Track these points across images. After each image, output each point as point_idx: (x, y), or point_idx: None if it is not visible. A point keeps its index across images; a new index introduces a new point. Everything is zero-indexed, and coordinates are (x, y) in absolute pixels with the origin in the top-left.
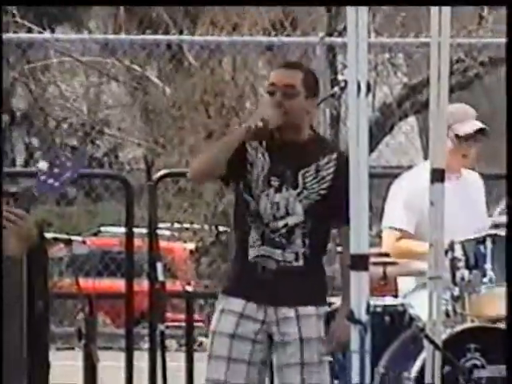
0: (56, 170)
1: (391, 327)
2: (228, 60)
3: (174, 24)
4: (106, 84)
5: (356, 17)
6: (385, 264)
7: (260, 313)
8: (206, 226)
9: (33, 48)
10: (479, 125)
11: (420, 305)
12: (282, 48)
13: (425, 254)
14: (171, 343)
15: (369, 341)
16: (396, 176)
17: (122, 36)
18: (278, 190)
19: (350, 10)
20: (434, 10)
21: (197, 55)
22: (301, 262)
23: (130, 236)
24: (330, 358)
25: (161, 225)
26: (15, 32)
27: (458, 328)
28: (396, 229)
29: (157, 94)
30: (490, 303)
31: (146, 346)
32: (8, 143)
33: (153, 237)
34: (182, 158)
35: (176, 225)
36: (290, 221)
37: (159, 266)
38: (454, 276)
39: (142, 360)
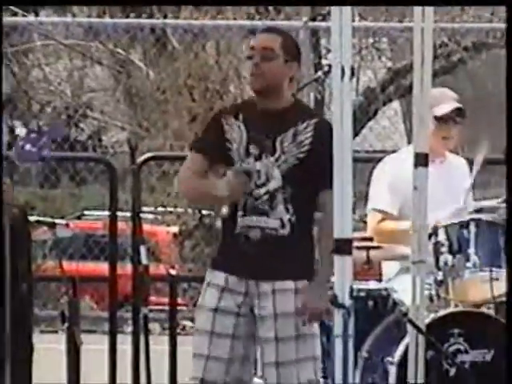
0: (33, 135)
1: (374, 312)
2: (212, 44)
3: (157, 7)
4: (90, 67)
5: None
6: (368, 248)
7: (242, 286)
8: (190, 210)
9: (16, 31)
10: (456, 105)
11: (403, 289)
12: None
13: (407, 234)
14: (154, 326)
15: (352, 325)
16: (379, 160)
17: (106, 19)
18: (258, 158)
19: None
20: None
21: (180, 39)
22: (287, 230)
23: (113, 219)
24: (315, 331)
25: (144, 208)
26: None
27: (442, 313)
28: (379, 210)
29: (141, 77)
30: (474, 288)
31: (130, 329)
32: None
33: (136, 220)
34: (166, 142)
35: (160, 208)
36: (270, 186)
37: (143, 249)
38: (437, 260)
39: (125, 343)
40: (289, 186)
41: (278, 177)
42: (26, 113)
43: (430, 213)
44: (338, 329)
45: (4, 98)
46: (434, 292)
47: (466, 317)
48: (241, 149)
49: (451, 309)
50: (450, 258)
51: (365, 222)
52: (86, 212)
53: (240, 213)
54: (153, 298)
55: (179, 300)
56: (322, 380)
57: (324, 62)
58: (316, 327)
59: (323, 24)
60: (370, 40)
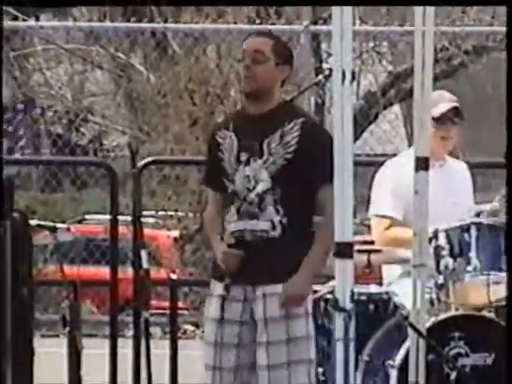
0: (9, 115)
1: (375, 315)
2: (212, 48)
3: (158, 12)
4: (91, 71)
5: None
6: (369, 252)
7: (240, 292)
8: (191, 214)
9: (17, 35)
10: (452, 104)
11: (404, 293)
12: None
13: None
14: (155, 330)
15: (353, 329)
16: (381, 164)
17: (107, 24)
18: (247, 163)
19: None
20: None
21: (181, 43)
22: (278, 232)
23: (114, 223)
24: (308, 334)
25: (145, 212)
26: None
27: (442, 316)
28: (385, 216)
29: (141, 81)
30: (475, 291)
31: (131, 333)
32: None
33: (137, 224)
34: (167, 146)
35: (160, 212)
36: (259, 189)
37: (143, 253)
38: (438, 264)
39: (126, 347)
40: (278, 187)
41: (267, 179)
42: (27, 117)
43: (429, 216)
44: (339, 332)
45: (4, 101)
46: (434, 296)
47: (467, 320)
48: (231, 157)
49: (452, 312)
50: (450, 261)
51: (365, 226)
52: (86, 216)
53: (234, 217)
54: (154, 302)
55: (180, 304)
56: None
57: (325, 65)
58: (311, 329)
59: (324, 28)
60: (371, 44)
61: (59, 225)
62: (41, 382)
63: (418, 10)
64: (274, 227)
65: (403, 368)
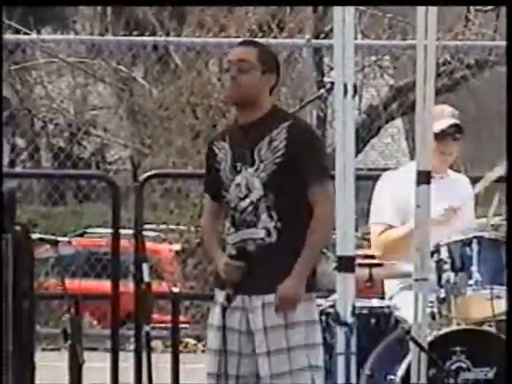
0: None
1: (377, 329)
2: (214, 61)
3: (160, 25)
4: (93, 85)
5: (342, 18)
6: (371, 266)
7: (239, 301)
8: (192, 228)
9: (19, 49)
10: (452, 120)
11: (405, 307)
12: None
13: (410, 238)
14: (157, 344)
15: (354, 342)
16: (379, 177)
17: (109, 37)
18: (239, 172)
19: (336, 12)
20: (420, 12)
21: (183, 56)
22: (273, 238)
23: (116, 237)
24: (314, 341)
25: (147, 226)
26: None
27: (444, 330)
28: (382, 223)
29: (143, 95)
30: (476, 305)
31: (132, 346)
32: None
33: (139, 238)
34: (169, 159)
35: (162, 226)
36: (252, 197)
37: (145, 267)
38: (439, 278)
39: (127, 361)
40: (270, 193)
41: (259, 186)
42: (29, 130)
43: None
44: (340, 346)
45: (6, 115)
46: (436, 310)
47: (469, 335)
48: (227, 168)
49: (454, 327)
50: (452, 275)
51: (367, 240)
52: (88, 230)
53: (232, 229)
54: (155, 316)
55: (181, 318)
56: None
57: (326, 79)
58: (318, 337)
59: (326, 42)
60: (373, 58)
61: (61, 238)
62: None
63: (420, 23)
64: (269, 234)
65: (405, 382)
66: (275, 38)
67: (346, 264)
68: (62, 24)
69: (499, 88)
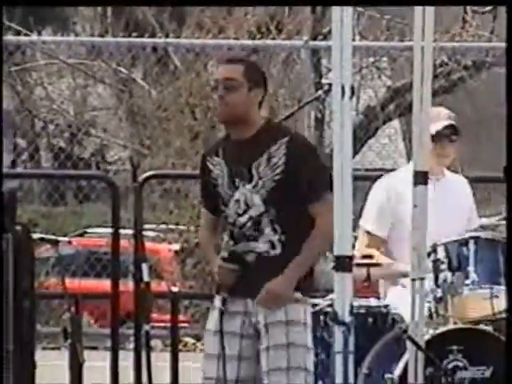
0: None
1: (374, 328)
2: (213, 63)
3: (160, 27)
4: (93, 86)
5: (340, 20)
6: (368, 265)
7: (240, 306)
8: (192, 227)
9: (19, 50)
10: (448, 122)
11: (403, 306)
12: (267, 51)
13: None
14: (156, 343)
15: (352, 341)
16: (378, 178)
17: (109, 39)
18: (237, 188)
19: (334, 13)
20: (418, 13)
21: (182, 58)
22: (278, 250)
23: (115, 237)
24: (307, 344)
25: (146, 226)
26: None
27: (441, 329)
28: (367, 232)
29: (143, 96)
30: (473, 305)
31: (132, 345)
32: None
33: (138, 238)
34: (168, 160)
35: (161, 226)
36: (252, 213)
37: (145, 266)
38: (436, 278)
39: (127, 360)
40: (272, 208)
41: (259, 203)
42: (29, 131)
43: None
44: (338, 345)
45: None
46: (433, 309)
47: (466, 334)
48: (224, 183)
49: (450, 326)
50: (449, 275)
51: None
52: (88, 230)
53: (230, 243)
54: (154, 315)
55: (181, 317)
56: None
57: (324, 81)
58: (309, 341)
59: (324, 43)
60: (371, 59)
61: (61, 238)
62: None
63: (417, 25)
64: (273, 246)
65: (402, 381)
66: (273, 39)
67: (343, 264)
68: (63, 25)
69: (496, 89)
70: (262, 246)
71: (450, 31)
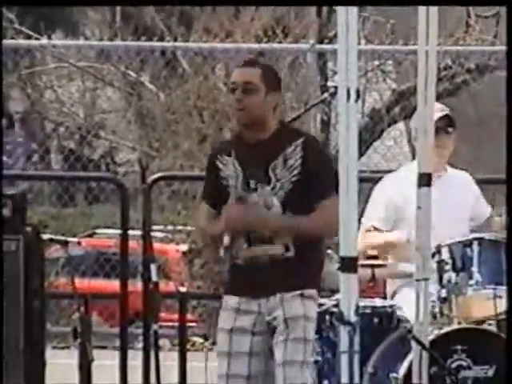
0: (8, 147)
1: (380, 328)
2: (221, 66)
3: (168, 31)
4: (102, 89)
5: (346, 24)
6: (373, 266)
7: (254, 305)
8: None
9: (30, 54)
10: (443, 113)
11: (408, 306)
12: (274, 54)
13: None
14: (164, 343)
15: (358, 341)
16: (380, 179)
17: (118, 42)
18: (255, 190)
19: (340, 17)
20: (422, 18)
21: (190, 61)
22: (292, 252)
23: (124, 238)
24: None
25: (155, 227)
26: (13, 38)
27: (445, 329)
28: (368, 224)
29: (151, 99)
30: (477, 305)
31: (140, 345)
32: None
33: (147, 239)
34: (176, 162)
35: (170, 227)
36: (271, 215)
37: (153, 267)
38: (441, 278)
39: (135, 359)
40: (289, 210)
41: (277, 204)
42: (40, 133)
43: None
44: (343, 345)
45: (18, 118)
46: (437, 309)
47: (469, 334)
48: (238, 185)
49: (454, 326)
50: (453, 275)
51: None
52: (97, 230)
53: (245, 245)
54: (163, 315)
55: (189, 316)
56: None
57: (330, 83)
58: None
59: (330, 47)
60: (376, 62)
61: (70, 239)
62: None
63: (422, 29)
64: (287, 249)
65: (407, 380)
66: (280, 43)
67: (348, 264)
68: (72, 29)
69: (499, 92)
70: (276, 249)
71: (454, 35)
